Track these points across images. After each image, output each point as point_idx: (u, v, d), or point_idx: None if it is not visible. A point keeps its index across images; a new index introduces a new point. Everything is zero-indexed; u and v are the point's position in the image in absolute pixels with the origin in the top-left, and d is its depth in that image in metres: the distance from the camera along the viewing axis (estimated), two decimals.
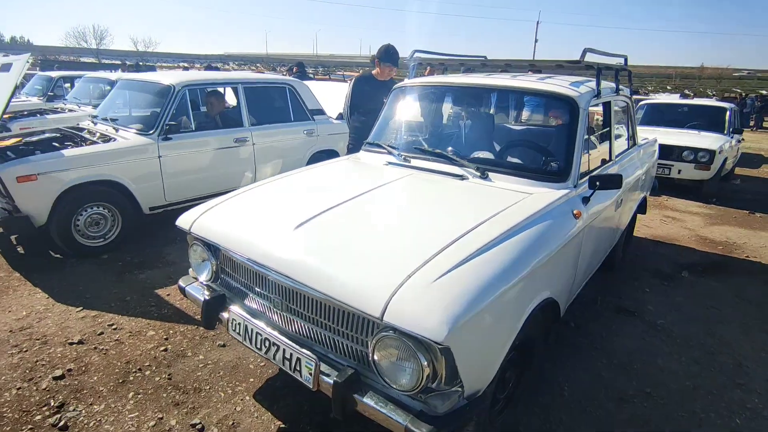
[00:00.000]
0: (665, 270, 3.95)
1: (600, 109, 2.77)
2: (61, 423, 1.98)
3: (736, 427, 2.14)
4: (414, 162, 2.53)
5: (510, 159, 2.46)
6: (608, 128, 2.84)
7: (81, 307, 2.93)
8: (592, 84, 2.69)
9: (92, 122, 4.45)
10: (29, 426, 1.96)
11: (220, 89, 4.82)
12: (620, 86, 3.21)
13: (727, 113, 7.13)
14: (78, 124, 4.59)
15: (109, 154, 3.70)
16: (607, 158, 2.85)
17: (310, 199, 2.12)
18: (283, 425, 2.03)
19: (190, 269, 2.21)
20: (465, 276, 1.48)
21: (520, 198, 2.06)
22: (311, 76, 10.40)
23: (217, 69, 15.47)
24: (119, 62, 22.63)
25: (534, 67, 2.79)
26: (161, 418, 2.04)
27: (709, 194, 6.51)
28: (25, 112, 6.49)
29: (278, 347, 1.76)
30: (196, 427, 2.00)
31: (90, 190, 3.66)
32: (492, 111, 2.79)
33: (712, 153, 6.18)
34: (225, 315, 1.99)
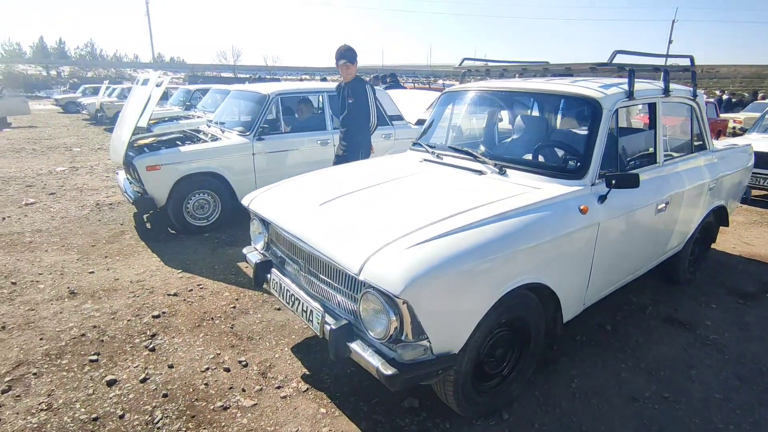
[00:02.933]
0: (748, 289, 3.59)
1: (640, 110, 2.74)
2: (151, 346, 2.63)
3: None
4: (445, 159, 2.79)
5: (532, 157, 2.59)
6: (653, 130, 2.78)
7: (181, 270, 3.70)
8: (644, 85, 2.69)
9: (207, 126, 5.42)
10: (130, 345, 2.65)
11: (309, 97, 5.49)
12: (680, 87, 3.10)
13: None
14: (198, 128, 5.61)
15: (214, 150, 4.53)
16: (653, 161, 2.80)
17: (343, 184, 2.51)
18: (307, 372, 2.44)
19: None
20: (436, 247, 1.73)
21: (525, 191, 2.22)
22: (403, 85, 11.05)
23: (325, 80, 16.86)
24: (249, 76, 25.91)
25: (569, 70, 2.85)
26: (219, 354, 2.59)
27: None
28: (166, 119, 7.98)
29: (299, 302, 2.17)
30: (242, 363, 2.50)
31: (198, 179, 4.51)
32: (522, 113, 2.92)
33: None
34: (269, 276, 2.47)
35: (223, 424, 2.06)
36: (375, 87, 6.59)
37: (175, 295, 3.28)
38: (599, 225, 2.29)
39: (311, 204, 2.29)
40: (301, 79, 32.76)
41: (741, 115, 12.95)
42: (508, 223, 1.94)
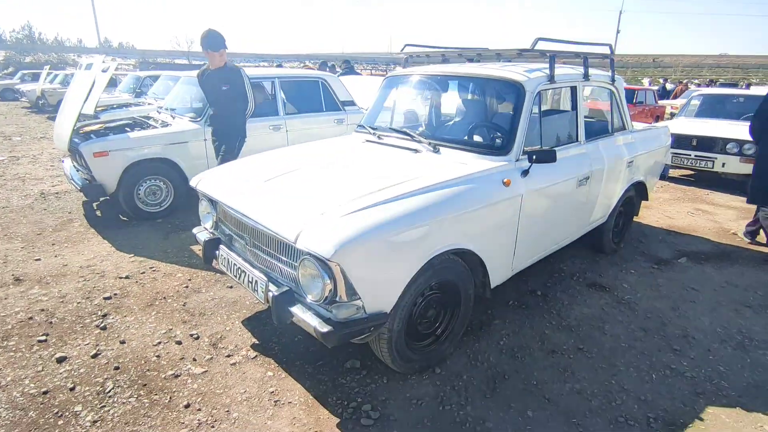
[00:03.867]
0: (663, 256, 3.99)
1: (563, 93, 3.00)
2: (103, 325, 2.69)
3: (649, 380, 2.34)
4: (386, 139, 2.96)
5: (463, 136, 2.81)
6: (575, 111, 3.06)
7: (133, 255, 3.72)
8: (566, 70, 2.96)
9: (158, 112, 5.35)
10: (81, 325, 2.70)
11: (262, 83, 5.51)
12: (600, 72, 3.39)
13: None
14: (148, 114, 5.52)
15: (164, 136, 4.51)
16: (575, 139, 3.07)
17: (287, 163, 2.64)
18: (256, 341, 2.58)
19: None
20: (366, 215, 1.91)
21: (453, 166, 2.43)
22: (359, 72, 11.11)
23: (281, 66, 16.64)
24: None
25: (500, 55, 3.08)
26: (171, 329, 2.68)
27: None
28: (115, 105, 7.73)
29: (246, 274, 2.30)
30: (193, 336, 2.61)
31: (149, 166, 4.49)
32: (454, 96, 3.13)
33: None
34: (218, 253, 2.58)
35: (174, 389, 2.18)
36: (326, 72, 6.64)
37: (126, 277, 3.32)
38: (522, 197, 2.53)
39: (256, 182, 2.41)
40: (258, 66, 31.96)
41: (678, 102, 13.83)
42: (434, 194, 2.13)
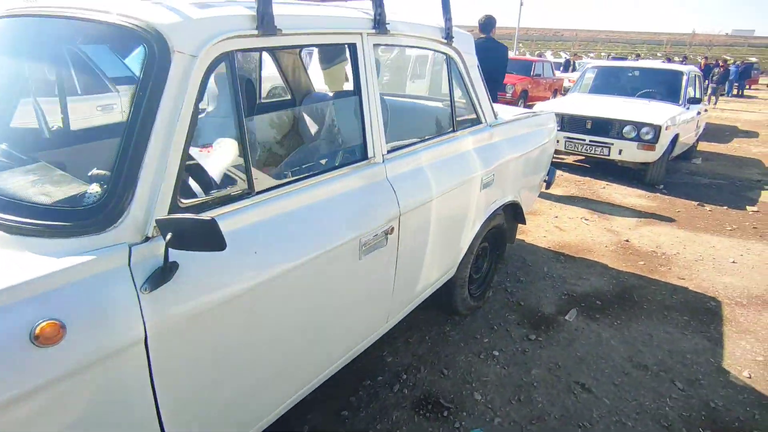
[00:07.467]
0: (545, 310, 2.68)
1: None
2: None
3: None
4: None
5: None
6: (356, 95, 1.49)
7: None
8: (323, 10, 1.36)
9: None
10: None
11: None
12: (422, 24, 1.85)
13: (683, 79, 5.72)
14: None
15: None
16: (358, 155, 1.52)
17: None
18: None
19: None
20: None
21: None
22: None
23: None
24: None
25: None
26: None
27: (655, 180, 5.20)
28: None
29: None
30: None
31: None
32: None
33: (657, 129, 4.82)
34: None
35: None
36: None
37: None
38: (148, 336, 0.93)
39: None
40: None
41: (575, 75, 13.28)
42: None
